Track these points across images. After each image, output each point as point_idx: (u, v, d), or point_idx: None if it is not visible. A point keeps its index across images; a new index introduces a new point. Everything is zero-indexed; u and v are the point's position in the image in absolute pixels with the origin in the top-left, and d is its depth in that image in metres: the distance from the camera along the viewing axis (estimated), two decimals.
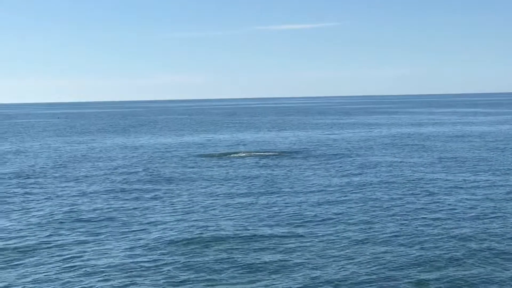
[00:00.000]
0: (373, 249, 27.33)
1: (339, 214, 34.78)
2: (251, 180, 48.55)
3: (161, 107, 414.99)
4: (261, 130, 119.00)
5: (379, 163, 57.96)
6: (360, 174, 50.72)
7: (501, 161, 57.95)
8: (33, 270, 25.33)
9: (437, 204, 37.14)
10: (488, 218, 33.06)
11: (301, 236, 29.94)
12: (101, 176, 52.49)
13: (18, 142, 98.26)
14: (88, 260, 26.51)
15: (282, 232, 30.64)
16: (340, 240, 28.98)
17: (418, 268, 24.51)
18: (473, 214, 34.07)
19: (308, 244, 28.44)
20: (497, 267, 24.70)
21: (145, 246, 28.50)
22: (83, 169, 57.75)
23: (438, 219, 33.06)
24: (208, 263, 25.72)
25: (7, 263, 26.38)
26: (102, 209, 37.64)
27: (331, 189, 43.31)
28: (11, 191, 45.30)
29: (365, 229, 31.06)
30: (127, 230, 31.92)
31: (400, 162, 58.69)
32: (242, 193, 42.43)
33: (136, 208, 37.78)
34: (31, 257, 27.26)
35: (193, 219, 34.18)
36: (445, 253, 26.44)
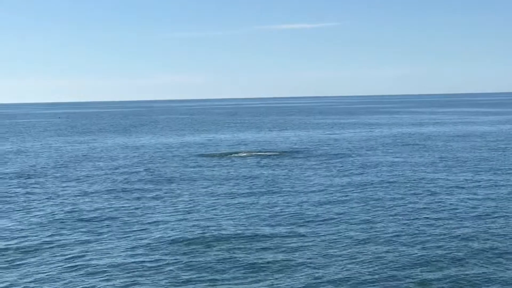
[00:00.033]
0: (375, 248, 27.31)
1: (341, 213, 34.76)
2: (252, 180, 48.53)
3: (162, 107, 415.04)
4: (262, 130, 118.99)
5: (381, 163, 57.94)
6: (362, 173, 50.70)
7: (502, 161, 57.92)
8: (35, 270, 25.33)
9: (439, 203, 37.12)
10: (490, 218, 33.03)
11: (303, 235, 29.92)
12: (103, 176, 52.49)
13: (19, 142, 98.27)
14: (90, 259, 26.51)
15: (284, 232, 30.63)
16: (342, 240, 28.96)
17: (420, 268, 24.49)
18: (475, 214, 34.05)
19: (310, 243, 28.42)
20: (499, 266, 24.68)
21: (147, 246, 28.49)
22: (84, 169, 57.75)
23: (440, 218, 33.04)
24: (210, 262, 25.70)
25: (9, 263, 26.38)
26: (103, 208, 37.64)
27: (332, 189, 43.29)
28: (13, 191, 45.31)
29: (367, 228, 31.04)
30: (128, 229, 31.92)
31: (402, 162, 58.66)
32: (243, 193, 42.42)
33: (137, 208, 37.78)
34: (33, 257, 27.26)
35: (194, 218, 34.17)
36: (447, 253, 26.43)
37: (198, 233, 30.50)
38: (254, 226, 31.98)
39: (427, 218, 33.18)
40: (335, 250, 27.24)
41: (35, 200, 41.31)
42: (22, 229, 32.51)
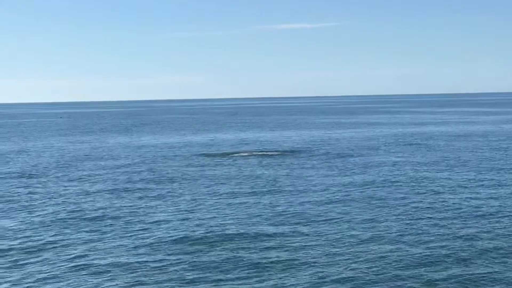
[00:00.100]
0: (379, 248, 27.25)
1: (344, 213, 34.70)
2: (254, 179, 48.49)
3: (162, 107, 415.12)
4: (264, 129, 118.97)
5: (382, 162, 57.88)
6: (364, 173, 50.65)
7: (504, 160, 57.85)
8: (38, 270, 25.28)
9: (442, 203, 37.06)
10: (494, 217, 32.97)
11: (306, 235, 29.87)
12: (105, 176, 52.45)
13: (21, 141, 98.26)
14: (92, 259, 26.45)
15: (287, 231, 30.57)
16: (345, 239, 28.90)
17: (425, 268, 24.42)
18: (478, 214, 33.98)
19: (313, 243, 28.37)
20: (504, 266, 24.59)
21: (150, 245, 28.44)
22: (86, 169, 57.71)
23: (443, 218, 32.97)
24: (213, 262, 25.64)
25: (12, 263, 26.32)
26: (106, 208, 37.59)
27: (334, 188, 43.23)
28: (15, 191, 45.27)
29: (370, 228, 30.99)
30: (131, 229, 31.87)
31: (403, 161, 58.61)
32: (245, 193, 42.37)
33: (140, 207, 37.73)
34: (36, 256, 27.20)
35: (197, 218, 34.13)
36: (451, 253, 26.36)
37: (201, 233, 30.45)
38: (257, 226, 31.93)
39: (431, 217, 33.12)
40: (339, 250, 27.18)
41: (37, 200, 41.28)
42: (24, 229, 32.46)
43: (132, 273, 24.47)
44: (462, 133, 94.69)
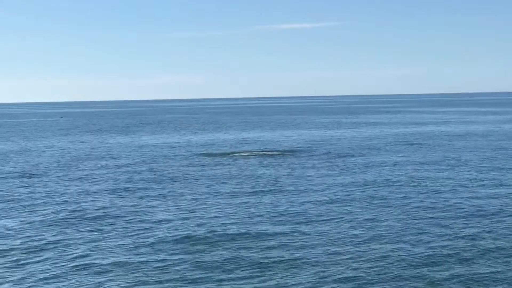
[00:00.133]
0: (380, 247, 27.22)
1: (345, 213, 34.68)
2: (255, 179, 48.46)
3: (162, 107, 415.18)
4: (264, 129, 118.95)
5: (383, 162, 57.86)
6: (365, 172, 50.62)
7: (505, 160, 57.83)
8: (40, 269, 25.24)
9: (444, 203, 37.03)
10: (495, 217, 32.94)
11: (308, 234, 29.83)
12: (106, 175, 52.43)
13: (21, 141, 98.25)
14: (94, 259, 26.42)
15: (288, 231, 30.53)
16: (346, 239, 28.87)
17: (427, 267, 24.38)
18: (480, 213, 33.94)
19: (314, 242, 28.34)
20: (506, 266, 24.57)
21: (151, 245, 28.40)
22: (87, 168, 57.69)
23: (445, 218, 32.94)
24: (215, 262, 25.61)
25: (13, 263, 26.29)
26: (106, 208, 37.56)
27: (335, 188, 43.21)
28: (16, 191, 45.25)
29: (371, 228, 30.96)
30: (132, 228, 31.84)
31: (404, 161, 58.59)
32: (246, 192, 42.35)
33: (141, 207, 37.70)
34: (37, 256, 27.17)
35: (198, 218, 34.09)
36: (453, 252, 26.33)
37: (202, 232, 30.42)
38: (258, 225, 31.90)
39: (432, 217, 33.08)
40: (340, 249, 27.15)
41: (38, 199, 41.24)
42: (25, 229, 32.43)
43: (133, 272, 24.44)
44: (463, 133, 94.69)
